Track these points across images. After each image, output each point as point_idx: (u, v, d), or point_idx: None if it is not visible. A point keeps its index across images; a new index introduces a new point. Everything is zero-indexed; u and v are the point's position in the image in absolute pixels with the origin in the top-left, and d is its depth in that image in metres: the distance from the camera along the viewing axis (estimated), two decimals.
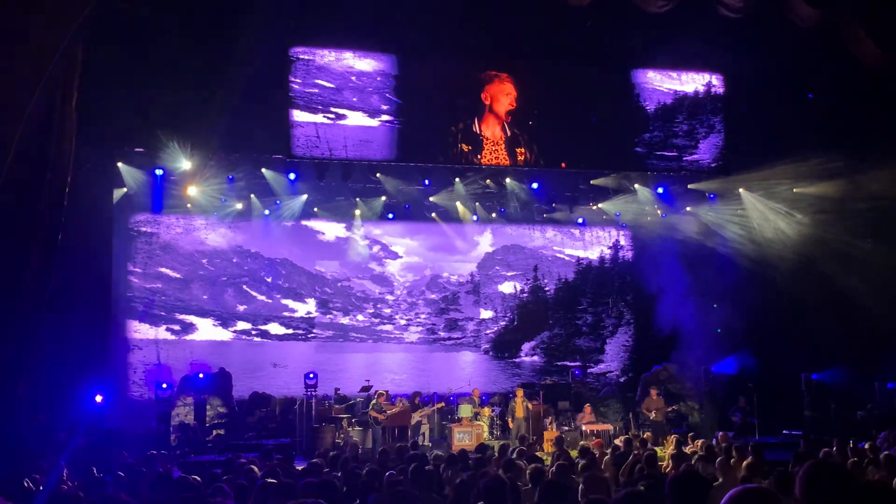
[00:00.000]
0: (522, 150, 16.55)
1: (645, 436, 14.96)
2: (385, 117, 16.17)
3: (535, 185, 18.76)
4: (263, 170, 17.22)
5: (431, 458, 10.61)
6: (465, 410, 17.17)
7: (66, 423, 14.76)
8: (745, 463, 8.47)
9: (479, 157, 16.50)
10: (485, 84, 16.40)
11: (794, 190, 18.13)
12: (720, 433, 13.28)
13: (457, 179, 18.20)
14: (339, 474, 8.42)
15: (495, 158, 16.56)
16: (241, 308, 20.32)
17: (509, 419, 17.31)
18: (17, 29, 7.78)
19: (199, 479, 7.68)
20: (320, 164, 16.75)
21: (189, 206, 18.30)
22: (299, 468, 9.31)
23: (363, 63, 16.14)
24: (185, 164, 16.25)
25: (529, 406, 17.26)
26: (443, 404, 17.96)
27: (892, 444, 11.03)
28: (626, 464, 9.49)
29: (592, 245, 22.31)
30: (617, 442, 11.94)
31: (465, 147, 16.33)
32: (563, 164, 17.17)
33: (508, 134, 16.50)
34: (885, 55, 14.11)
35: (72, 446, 12.66)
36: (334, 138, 15.88)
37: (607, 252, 22.34)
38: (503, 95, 16.43)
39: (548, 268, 22.14)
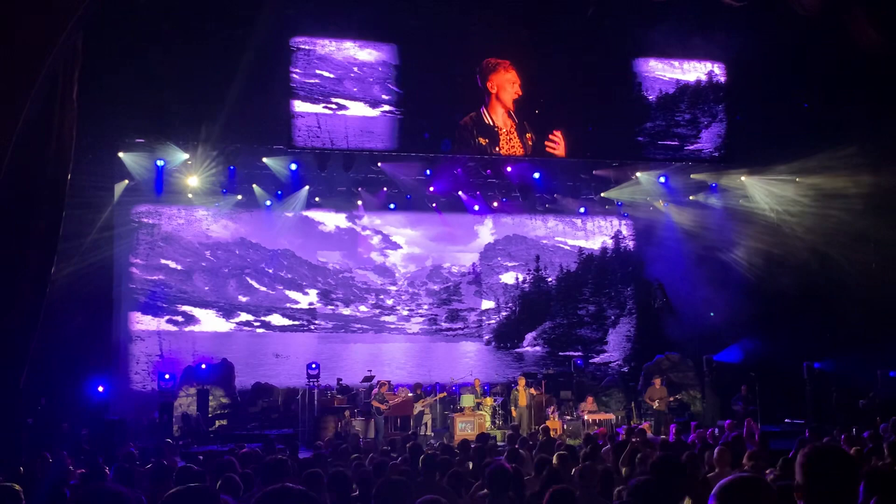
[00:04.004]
0: (530, 134, 16.50)
1: (642, 426, 14.96)
2: (386, 107, 16.13)
3: (536, 175, 18.76)
4: (265, 159, 17.21)
5: (437, 447, 10.63)
6: (467, 400, 17.19)
7: (69, 413, 14.81)
8: (748, 452, 8.43)
9: (496, 149, 16.49)
10: (489, 73, 16.33)
11: (797, 179, 18.10)
12: (727, 422, 13.29)
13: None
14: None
15: (512, 148, 16.55)
16: (244, 299, 20.33)
17: (512, 408, 17.35)
18: (17, 18, 7.75)
19: (202, 469, 7.69)
20: (321, 154, 16.74)
21: (190, 196, 18.29)
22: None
23: (364, 53, 16.08)
24: (185, 154, 16.27)
25: (533, 391, 17.30)
26: (445, 394, 17.98)
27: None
28: (624, 453, 9.46)
29: (594, 235, 22.27)
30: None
31: (482, 140, 16.30)
32: (563, 154, 17.09)
33: (516, 121, 16.47)
34: (886, 43, 14.05)
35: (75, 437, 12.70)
36: (335, 129, 15.84)
37: (609, 242, 22.31)
38: (508, 84, 16.36)
39: (549, 258, 22.11)
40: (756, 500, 2.68)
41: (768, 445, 9.44)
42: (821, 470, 2.90)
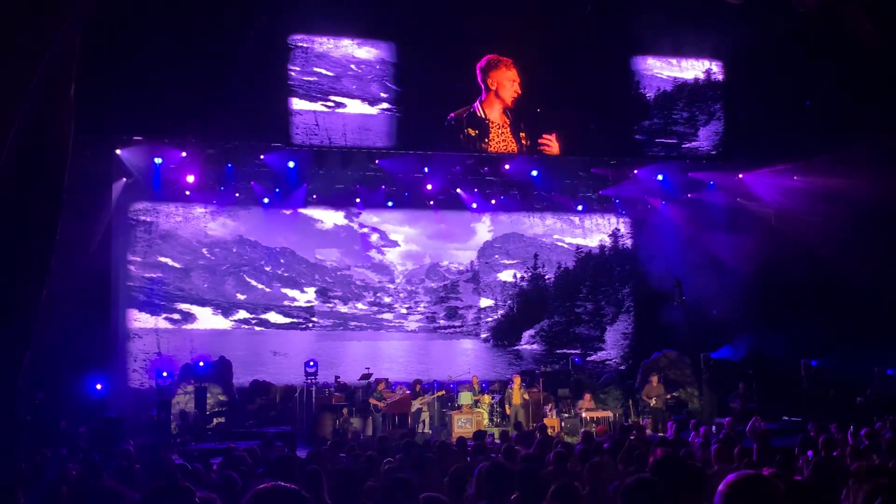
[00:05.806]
0: (524, 134, 16.50)
1: (641, 423, 14.98)
2: (384, 105, 16.13)
3: (534, 173, 18.74)
4: (263, 157, 17.21)
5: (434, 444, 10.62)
6: (465, 398, 17.16)
7: (67, 411, 14.80)
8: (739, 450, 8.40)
9: (486, 140, 16.41)
10: (490, 70, 16.34)
11: (795, 177, 18.11)
12: (727, 419, 13.29)
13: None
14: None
15: (503, 141, 16.49)
16: (242, 297, 20.32)
17: (507, 406, 17.35)
18: (15, 15, 7.73)
19: (199, 467, 7.69)
20: (319, 152, 16.73)
21: (188, 193, 18.29)
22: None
23: (362, 51, 16.08)
24: (183, 152, 16.27)
25: (526, 395, 17.26)
26: (443, 392, 17.96)
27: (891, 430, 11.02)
28: (622, 451, 9.45)
29: (592, 233, 22.26)
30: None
31: (471, 132, 16.25)
32: (556, 153, 17.10)
33: (511, 118, 16.46)
34: (885, 39, 14.05)
35: (73, 434, 12.67)
36: (333, 126, 15.86)
37: (607, 240, 22.30)
38: (508, 82, 16.38)
39: (547, 256, 22.10)
40: (763, 498, 2.68)
41: (769, 443, 9.42)
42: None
